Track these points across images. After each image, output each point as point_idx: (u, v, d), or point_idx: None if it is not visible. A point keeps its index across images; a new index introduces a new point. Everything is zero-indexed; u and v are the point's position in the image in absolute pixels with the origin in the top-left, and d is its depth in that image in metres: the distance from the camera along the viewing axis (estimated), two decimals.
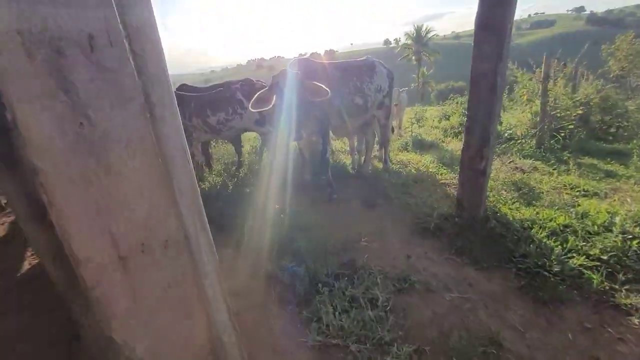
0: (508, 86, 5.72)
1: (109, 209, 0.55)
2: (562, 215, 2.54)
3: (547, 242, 2.26)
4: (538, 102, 5.18)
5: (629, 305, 1.77)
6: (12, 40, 0.41)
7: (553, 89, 5.13)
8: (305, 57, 3.65)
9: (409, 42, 37.58)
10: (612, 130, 5.61)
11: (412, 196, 3.42)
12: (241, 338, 0.84)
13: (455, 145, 5.56)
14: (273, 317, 2.00)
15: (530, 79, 5.47)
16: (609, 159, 4.33)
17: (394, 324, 1.82)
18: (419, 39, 36.57)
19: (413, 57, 36.37)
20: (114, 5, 0.48)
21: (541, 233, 2.36)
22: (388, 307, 1.92)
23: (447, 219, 2.70)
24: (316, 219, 3.12)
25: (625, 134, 5.46)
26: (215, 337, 0.70)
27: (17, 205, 0.60)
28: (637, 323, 1.68)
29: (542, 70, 4.79)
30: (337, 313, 1.88)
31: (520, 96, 5.62)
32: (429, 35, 36.78)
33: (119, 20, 0.50)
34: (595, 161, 4.41)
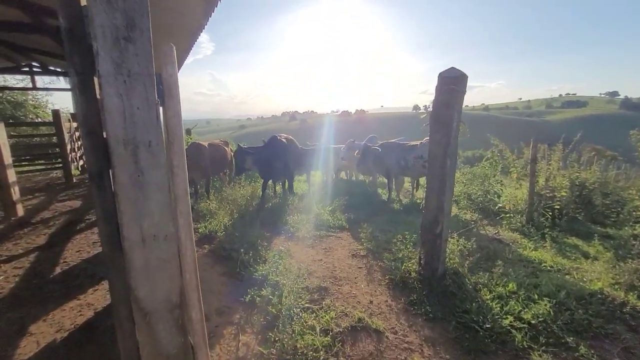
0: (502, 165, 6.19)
1: (143, 216, 1.14)
2: (512, 282, 2.85)
3: (490, 303, 2.58)
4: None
5: None
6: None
7: (542, 170, 5.54)
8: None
9: None
10: (613, 215, 5.75)
11: (390, 252, 3.82)
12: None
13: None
14: (242, 332, 2.42)
15: (519, 158, 5.96)
16: (593, 242, 4.50)
17: (339, 351, 2.18)
18: None
19: None
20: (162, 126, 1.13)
21: (487, 295, 2.68)
22: (338, 338, 2.30)
23: (410, 274, 3.08)
24: (310, 262, 3.59)
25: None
26: (185, 294, 1.22)
27: (101, 226, 1.19)
28: None
29: (531, 152, 5.27)
30: (294, 335, 2.28)
31: (512, 174, 6.05)
32: None
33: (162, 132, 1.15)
34: (580, 242, 4.61)
